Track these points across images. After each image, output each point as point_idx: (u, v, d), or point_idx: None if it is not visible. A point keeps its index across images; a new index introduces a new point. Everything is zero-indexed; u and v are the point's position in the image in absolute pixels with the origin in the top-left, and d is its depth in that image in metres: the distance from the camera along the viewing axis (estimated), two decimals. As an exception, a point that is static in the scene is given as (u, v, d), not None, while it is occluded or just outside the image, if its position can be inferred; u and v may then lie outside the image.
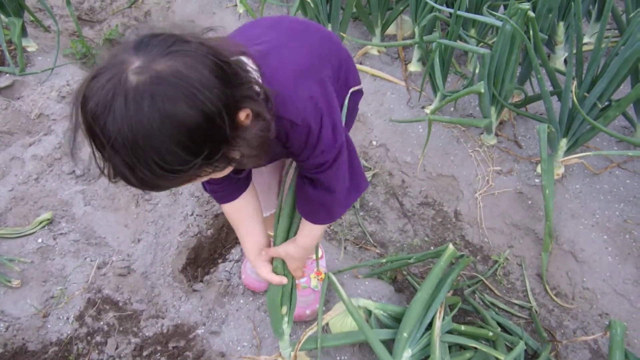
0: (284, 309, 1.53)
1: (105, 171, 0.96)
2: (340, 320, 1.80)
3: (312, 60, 1.24)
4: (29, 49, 2.91)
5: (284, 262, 1.46)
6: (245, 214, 1.46)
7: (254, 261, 1.46)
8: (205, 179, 1.08)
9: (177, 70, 0.89)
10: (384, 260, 2.01)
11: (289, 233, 1.47)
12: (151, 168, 0.92)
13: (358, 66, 2.67)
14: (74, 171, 2.35)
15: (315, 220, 1.40)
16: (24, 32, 2.87)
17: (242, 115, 0.97)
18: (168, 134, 0.89)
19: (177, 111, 0.88)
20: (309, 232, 1.42)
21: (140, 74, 0.87)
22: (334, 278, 1.63)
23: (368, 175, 2.43)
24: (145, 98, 0.86)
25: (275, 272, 1.45)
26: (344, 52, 1.41)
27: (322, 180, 1.28)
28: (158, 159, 0.91)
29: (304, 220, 1.43)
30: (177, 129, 0.89)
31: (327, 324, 1.83)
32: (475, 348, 1.71)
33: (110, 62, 0.90)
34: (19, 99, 2.66)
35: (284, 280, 1.45)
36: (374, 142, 2.48)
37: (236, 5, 3.26)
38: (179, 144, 0.91)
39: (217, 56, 0.94)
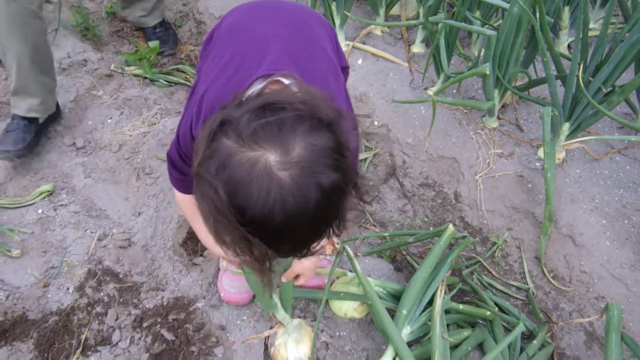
0: None
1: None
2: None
3: (330, 65, 1.34)
4: (29, 20, 2.87)
5: None
6: None
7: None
8: None
9: (310, 144, 0.90)
10: (387, 234, 2.04)
11: None
12: (310, 245, 1.00)
13: (361, 46, 2.66)
14: (74, 143, 2.33)
15: None
16: (23, 2, 2.83)
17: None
18: (333, 208, 0.94)
19: (334, 180, 0.91)
20: None
21: (287, 168, 0.88)
22: (349, 250, 1.71)
23: (369, 155, 2.43)
24: (310, 187, 0.88)
25: None
26: (331, 28, 1.49)
27: None
28: (318, 236, 0.99)
29: None
30: (336, 198, 0.93)
31: (327, 300, 1.85)
32: (473, 327, 1.73)
33: (241, 169, 0.89)
34: (18, 69, 2.62)
35: None
36: (376, 123, 2.48)
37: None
38: (337, 211, 0.97)
39: (313, 110, 0.95)
